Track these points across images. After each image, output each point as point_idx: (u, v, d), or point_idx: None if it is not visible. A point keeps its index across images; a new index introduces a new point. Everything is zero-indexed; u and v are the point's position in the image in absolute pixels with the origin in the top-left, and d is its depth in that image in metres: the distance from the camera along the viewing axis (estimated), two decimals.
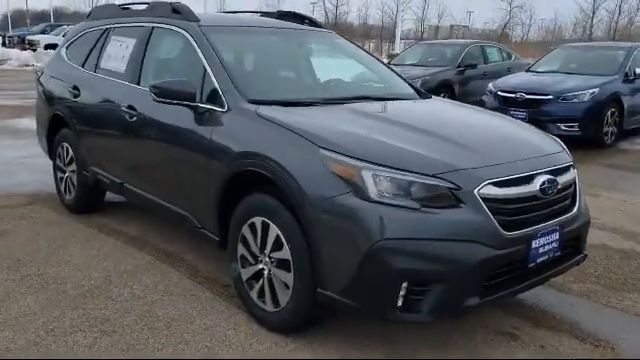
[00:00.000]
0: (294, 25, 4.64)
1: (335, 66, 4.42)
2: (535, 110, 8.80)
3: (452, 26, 67.89)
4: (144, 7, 4.64)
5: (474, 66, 12.14)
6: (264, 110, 3.28)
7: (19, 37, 32.00)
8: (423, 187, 2.68)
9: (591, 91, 8.79)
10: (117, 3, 5.13)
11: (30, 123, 10.17)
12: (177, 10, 4.17)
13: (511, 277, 2.88)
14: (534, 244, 2.87)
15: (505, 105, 9.08)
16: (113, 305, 3.50)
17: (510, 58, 13.54)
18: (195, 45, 3.84)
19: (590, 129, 8.73)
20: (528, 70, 10.63)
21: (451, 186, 2.69)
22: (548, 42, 49.20)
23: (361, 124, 3.19)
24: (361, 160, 2.71)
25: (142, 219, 5.03)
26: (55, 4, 55.99)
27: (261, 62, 4.19)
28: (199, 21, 4.04)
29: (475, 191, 2.71)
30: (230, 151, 3.28)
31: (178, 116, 3.68)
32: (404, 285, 2.63)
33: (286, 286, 3.00)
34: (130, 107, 4.13)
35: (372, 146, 2.85)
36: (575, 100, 8.74)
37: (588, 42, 20.69)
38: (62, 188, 5.30)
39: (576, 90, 8.84)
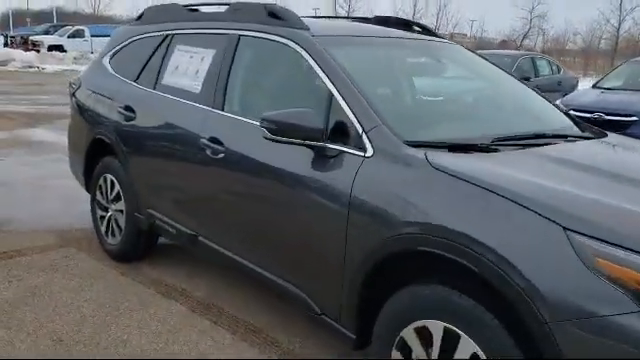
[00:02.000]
0: (416, 35, 3.63)
1: (477, 88, 3.42)
2: (619, 133, 7.79)
3: (452, 34, 66.83)
4: (222, 9, 3.62)
5: (527, 79, 11.17)
6: (439, 158, 2.29)
7: (22, 37, 30.92)
8: None
9: None
10: (174, 3, 4.10)
11: (45, 134, 9.24)
12: (276, 14, 3.18)
13: None
14: None
15: None
16: None
17: (559, 71, 12.60)
18: (312, 62, 2.84)
19: None
20: (595, 87, 9.67)
21: None
22: (560, 51, 48.28)
23: (587, 184, 2.19)
24: None
25: (207, 271, 4.02)
26: (57, 4, 54.95)
27: (399, 85, 3.20)
28: (309, 29, 3.04)
29: None
30: (385, 218, 2.28)
31: (291, 158, 2.69)
32: None
33: None
34: (214, 140, 3.13)
35: None
36: None
37: None
38: (103, 229, 4.29)
39: None
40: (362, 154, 2.46)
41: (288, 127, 2.54)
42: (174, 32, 3.87)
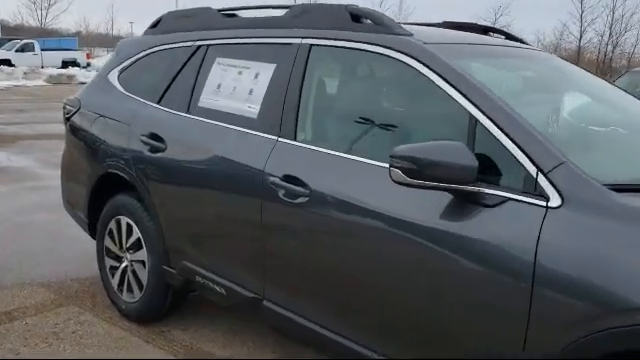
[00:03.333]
0: (513, 43, 3.00)
1: (599, 109, 2.79)
2: None
3: None
4: (277, 12, 2.91)
5: None
6: None
7: None
8: None
9: None
10: (206, 7, 3.35)
11: (10, 159, 8.23)
12: (363, 17, 2.50)
13: None
14: None
15: None
16: None
17: None
18: (435, 77, 2.19)
19: None
20: None
21: None
22: None
23: None
24: None
25: (243, 330, 3.29)
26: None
27: (549, 107, 2.53)
28: (412, 35, 2.37)
29: None
30: (601, 300, 1.62)
31: (421, 205, 2.01)
32: None
33: None
34: (290, 179, 2.42)
35: None
36: None
37: None
38: (114, 283, 3.49)
39: None
40: (543, 203, 1.79)
41: (432, 166, 1.86)
42: (209, 42, 3.14)
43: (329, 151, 2.40)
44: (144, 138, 3.16)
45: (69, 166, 3.90)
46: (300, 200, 2.38)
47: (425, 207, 2.00)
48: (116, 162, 3.33)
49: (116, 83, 3.61)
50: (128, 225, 3.35)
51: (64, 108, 3.91)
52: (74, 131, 3.77)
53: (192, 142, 2.96)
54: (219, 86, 2.97)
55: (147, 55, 3.50)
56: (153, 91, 3.32)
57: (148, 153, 3.13)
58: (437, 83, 2.16)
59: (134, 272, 3.36)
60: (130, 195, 3.34)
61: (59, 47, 31.51)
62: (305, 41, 2.65)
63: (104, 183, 3.50)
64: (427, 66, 2.21)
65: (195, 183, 2.92)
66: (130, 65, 3.59)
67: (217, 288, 2.86)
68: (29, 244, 4.69)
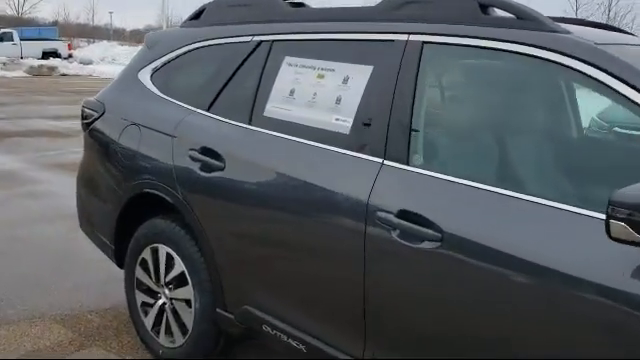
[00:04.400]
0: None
1: None
2: None
3: None
4: (368, 2, 2.35)
5: None
6: None
7: None
8: None
9: None
10: None
11: None
12: (498, 7, 1.97)
13: None
14: None
15: None
16: None
17: None
18: (623, 88, 1.64)
19: None
20: None
21: None
22: None
23: None
24: None
25: None
26: None
27: None
28: (570, 33, 1.84)
29: None
30: None
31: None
32: None
33: None
34: (410, 216, 1.88)
35: None
36: None
37: None
38: (148, 323, 2.93)
39: None
40: None
41: None
42: (273, 37, 2.58)
43: (464, 181, 1.86)
44: (194, 153, 2.59)
45: (90, 180, 3.31)
46: (427, 245, 1.84)
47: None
48: (155, 181, 2.76)
49: (149, 84, 3.03)
50: (168, 256, 2.79)
51: (82, 111, 3.32)
52: (97, 140, 3.18)
53: (260, 161, 2.40)
54: (292, 92, 2.41)
55: (189, 52, 2.93)
56: (200, 95, 2.76)
57: (200, 172, 2.56)
58: (624, 94, 1.63)
59: (175, 312, 2.80)
60: (171, 220, 2.78)
61: (39, 37, 30.43)
62: (414, 38, 2.11)
63: (137, 204, 2.93)
64: (606, 71, 1.68)
65: (266, 212, 2.37)
66: (167, 63, 3.01)
67: (293, 343, 2.31)
68: (34, 266, 4.09)
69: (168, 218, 2.80)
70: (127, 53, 31.65)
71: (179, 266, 2.74)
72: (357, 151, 2.12)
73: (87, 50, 32.01)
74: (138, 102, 3.03)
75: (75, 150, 8.35)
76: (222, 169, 2.49)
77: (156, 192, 2.77)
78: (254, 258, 2.44)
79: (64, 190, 6.09)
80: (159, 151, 2.78)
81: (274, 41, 2.57)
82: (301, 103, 2.37)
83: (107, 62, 29.29)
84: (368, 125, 2.13)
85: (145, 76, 3.07)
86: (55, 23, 53.32)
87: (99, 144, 3.17)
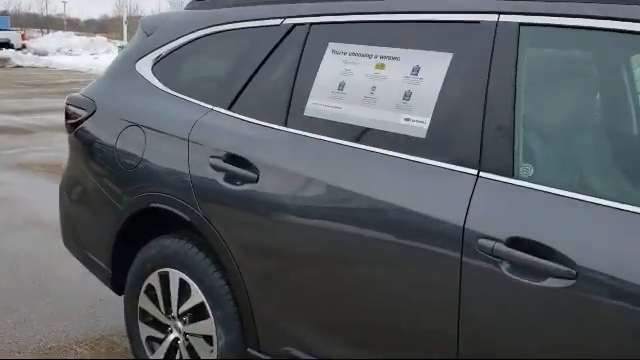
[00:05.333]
0: None
1: None
2: None
3: None
4: None
5: None
6: None
7: None
8: None
9: None
10: None
11: None
12: None
13: None
14: None
15: None
16: None
17: None
18: None
19: None
20: None
21: None
22: None
23: None
24: None
25: None
26: None
27: None
28: None
29: None
30: None
31: None
32: None
33: None
34: (524, 245, 1.46)
35: None
36: None
37: None
38: None
39: None
40: None
41: None
42: (311, 20, 2.13)
43: (595, 199, 1.46)
44: (217, 161, 2.13)
45: (78, 190, 2.81)
46: (554, 283, 1.43)
47: None
48: (165, 193, 2.30)
49: (151, 76, 2.55)
50: (182, 283, 2.33)
51: (67, 110, 2.81)
52: (87, 144, 2.69)
53: (305, 171, 1.96)
54: (341, 86, 1.97)
55: (200, 38, 2.45)
56: (218, 91, 2.30)
57: (225, 183, 2.10)
58: None
59: (191, 349, 2.34)
60: (186, 239, 2.32)
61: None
62: (506, 18, 1.69)
63: (140, 220, 2.46)
64: None
65: (316, 235, 1.92)
66: (172, 52, 2.53)
67: None
68: (5, 287, 3.56)
69: (182, 237, 2.34)
70: (84, 44, 30.54)
71: (197, 296, 2.28)
72: (439, 160, 1.70)
73: (42, 41, 30.63)
74: (138, 98, 2.54)
75: (38, 148, 7.72)
76: (255, 180, 2.03)
77: (167, 207, 2.30)
78: (301, 290, 2.01)
79: (31, 193, 5.53)
80: (170, 158, 2.31)
81: (312, 24, 2.12)
82: (354, 99, 1.93)
83: (64, 53, 28.10)
84: (453, 126, 1.71)
85: (145, 68, 2.59)
86: (5, 12, 51.21)
87: (90, 149, 2.67)
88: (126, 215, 2.46)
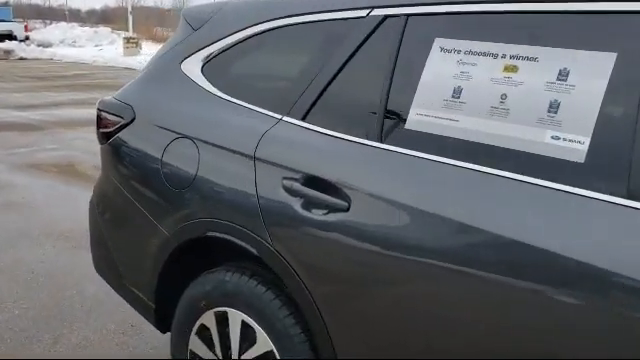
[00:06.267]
0: None
1: None
2: None
3: None
4: None
5: None
6: None
7: None
8: None
9: None
10: None
11: None
12: None
13: None
14: None
15: None
16: None
17: None
18: None
19: None
20: None
21: None
22: None
23: None
24: None
25: None
26: None
27: None
28: None
29: None
30: None
31: None
32: None
33: None
34: None
35: None
36: None
37: None
38: None
39: None
40: None
41: None
42: (408, 11, 1.73)
43: None
44: (292, 184, 1.74)
45: (114, 210, 2.43)
46: None
47: None
48: (227, 220, 1.91)
49: (201, 79, 2.16)
50: (244, 325, 1.95)
51: (98, 116, 2.42)
52: (125, 157, 2.30)
53: (413, 200, 1.56)
54: (457, 92, 1.58)
55: (263, 33, 2.06)
56: (289, 98, 1.90)
57: (304, 211, 1.72)
58: None
59: None
60: (248, 275, 1.93)
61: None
62: None
63: (191, 249, 2.07)
64: None
65: (432, 279, 1.53)
66: (228, 49, 2.14)
67: None
68: (19, 309, 3.19)
69: (244, 272, 1.95)
70: (88, 35, 30.10)
71: (264, 343, 1.90)
72: (606, 192, 1.30)
73: (45, 32, 30.14)
74: (187, 105, 2.15)
75: (49, 147, 7.34)
76: (345, 209, 1.64)
77: (228, 237, 1.92)
78: (408, 343, 1.61)
79: (45, 199, 5.16)
80: (232, 178, 1.92)
81: (410, 15, 1.73)
82: (477, 110, 1.54)
83: (68, 45, 27.66)
84: (623, 148, 1.31)
85: (193, 68, 2.20)
86: (6, 4, 50.70)
87: (128, 163, 2.29)
88: (175, 243, 2.08)
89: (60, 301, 3.29)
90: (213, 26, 2.20)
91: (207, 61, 2.17)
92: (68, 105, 10.81)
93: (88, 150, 7.09)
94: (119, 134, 2.30)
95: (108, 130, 2.35)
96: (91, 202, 2.57)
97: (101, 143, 2.42)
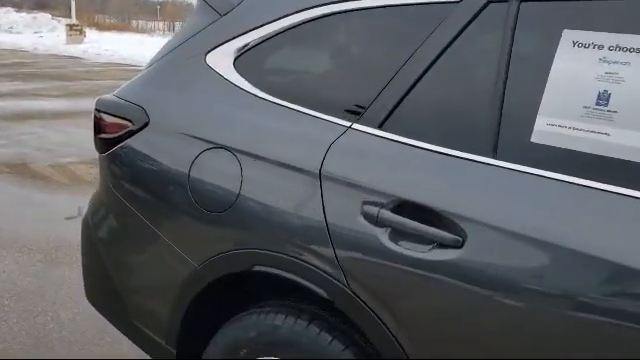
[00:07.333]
0: None
1: None
2: None
3: None
4: None
5: None
6: None
7: None
8: None
9: None
10: None
11: None
12: None
13: None
14: None
15: None
16: None
17: None
18: None
19: None
20: None
21: None
22: None
23: None
24: None
25: None
26: None
27: None
28: None
29: None
30: None
31: None
32: None
33: None
34: None
35: None
36: None
37: None
38: None
39: None
40: None
41: None
42: None
43: None
44: (376, 210, 1.38)
45: (119, 232, 2.00)
46: None
47: None
48: (283, 254, 1.53)
49: (233, 75, 1.76)
50: None
51: (97, 119, 1.99)
52: (135, 170, 1.87)
53: (550, 234, 1.22)
54: (603, 98, 1.25)
55: (318, 19, 1.67)
56: (358, 100, 1.53)
57: (396, 246, 1.36)
58: None
59: None
60: (306, 319, 1.56)
61: None
62: None
63: (224, 286, 1.69)
64: None
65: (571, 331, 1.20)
66: (269, 39, 1.74)
67: None
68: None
69: (300, 316, 1.58)
70: (26, 21, 28.62)
71: None
72: None
73: (7, 17, 28.50)
74: (218, 107, 1.75)
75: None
76: (459, 246, 1.29)
77: (286, 274, 1.54)
78: None
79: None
80: (290, 201, 1.54)
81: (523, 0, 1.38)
82: (635, 121, 1.20)
83: (4, 31, 26.18)
84: None
85: (222, 62, 1.79)
86: None
87: (142, 178, 1.86)
88: (208, 278, 1.68)
89: (33, 329, 2.83)
90: (247, 10, 1.80)
91: (241, 53, 1.78)
92: (12, 96, 10.04)
93: (41, 147, 6.52)
94: (128, 141, 1.88)
95: (111, 136, 1.92)
96: (85, 221, 2.13)
97: (101, 152, 1.99)
